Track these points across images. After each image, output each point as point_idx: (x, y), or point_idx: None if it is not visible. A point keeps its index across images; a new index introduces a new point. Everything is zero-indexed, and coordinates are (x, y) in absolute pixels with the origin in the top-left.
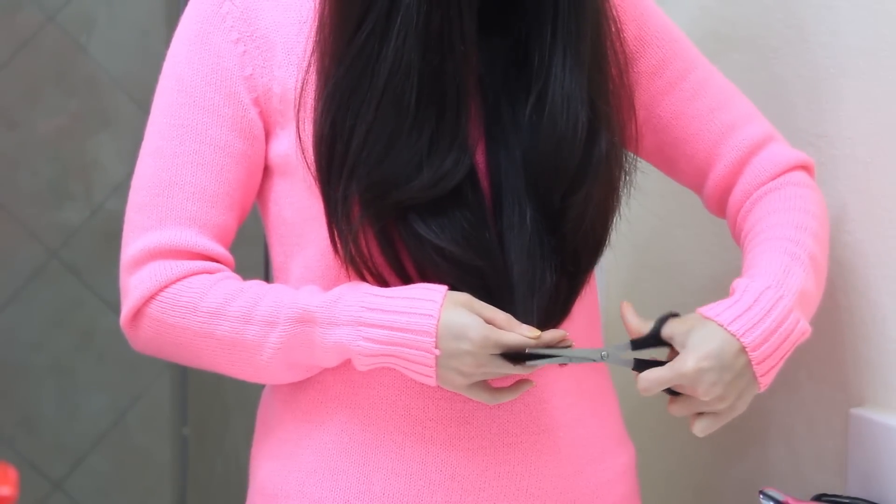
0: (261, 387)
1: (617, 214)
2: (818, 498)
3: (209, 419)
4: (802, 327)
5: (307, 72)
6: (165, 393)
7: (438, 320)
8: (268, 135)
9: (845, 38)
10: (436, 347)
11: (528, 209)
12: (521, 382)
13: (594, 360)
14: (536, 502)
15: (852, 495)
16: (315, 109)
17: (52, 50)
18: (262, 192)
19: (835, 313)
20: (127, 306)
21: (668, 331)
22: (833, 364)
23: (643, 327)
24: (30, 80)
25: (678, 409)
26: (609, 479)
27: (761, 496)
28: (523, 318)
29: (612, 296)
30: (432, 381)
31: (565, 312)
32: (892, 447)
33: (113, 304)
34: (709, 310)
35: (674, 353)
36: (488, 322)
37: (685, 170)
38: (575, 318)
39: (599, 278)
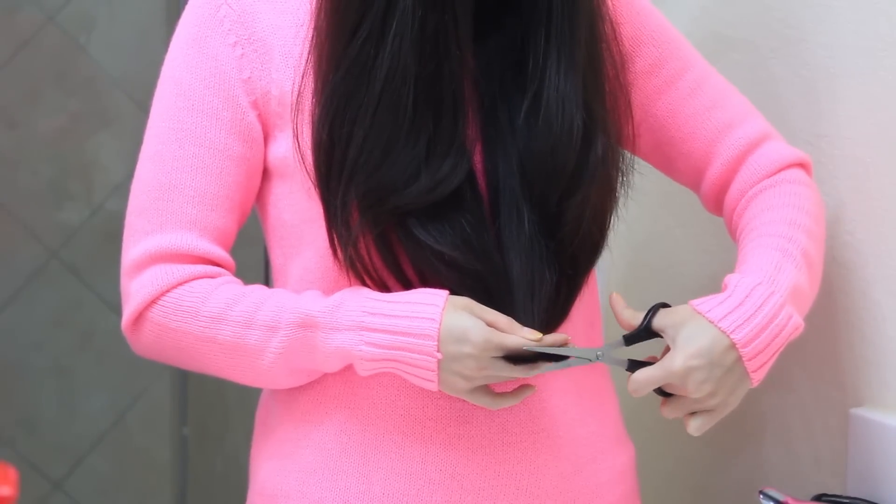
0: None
1: (615, 216)
2: (818, 498)
3: (209, 419)
4: (795, 322)
5: (304, 76)
6: (165, 393)
7: (440, 324)
8: (266, 137)
9: (845, 38)
10: (438, 351)
11: (525, 212)
12: (522, 388)
13: (590, 361)
14: (536, 501)
15: (852, 495)
16: (312, 115)
17: (52, 50)
18: (261, 195)
19: (834, 313)
20: (128, 311)
21: (658, 322)
22: (832, 364)
23: (634, 319)
24: (30, 80)
25: (670, 411)
26: (608, 479)
27: (761, 496)
28: (524, 320)
29: None
30: (434, 386)
31: (565, 314)
32: (892, 447)
33: (113, 304)
34: (700, 304)
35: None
36: (490, 325)
37: (682, 169)
38: (574, 319)
39: (599, 279)
